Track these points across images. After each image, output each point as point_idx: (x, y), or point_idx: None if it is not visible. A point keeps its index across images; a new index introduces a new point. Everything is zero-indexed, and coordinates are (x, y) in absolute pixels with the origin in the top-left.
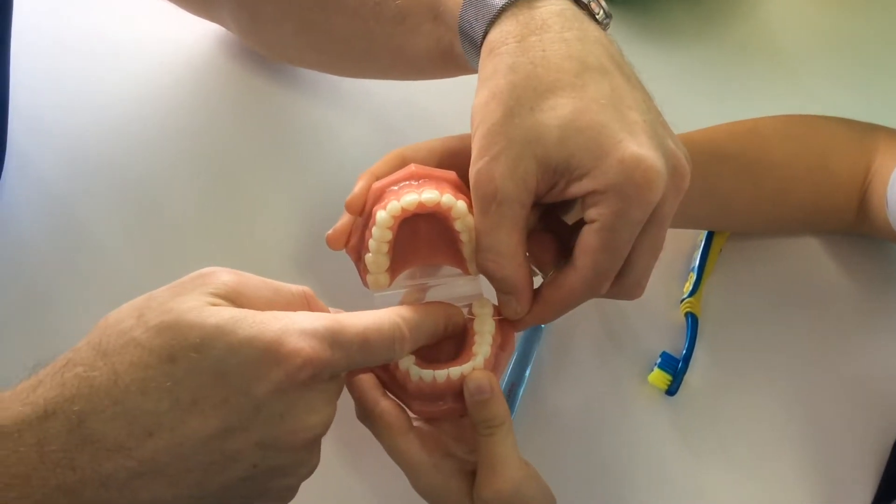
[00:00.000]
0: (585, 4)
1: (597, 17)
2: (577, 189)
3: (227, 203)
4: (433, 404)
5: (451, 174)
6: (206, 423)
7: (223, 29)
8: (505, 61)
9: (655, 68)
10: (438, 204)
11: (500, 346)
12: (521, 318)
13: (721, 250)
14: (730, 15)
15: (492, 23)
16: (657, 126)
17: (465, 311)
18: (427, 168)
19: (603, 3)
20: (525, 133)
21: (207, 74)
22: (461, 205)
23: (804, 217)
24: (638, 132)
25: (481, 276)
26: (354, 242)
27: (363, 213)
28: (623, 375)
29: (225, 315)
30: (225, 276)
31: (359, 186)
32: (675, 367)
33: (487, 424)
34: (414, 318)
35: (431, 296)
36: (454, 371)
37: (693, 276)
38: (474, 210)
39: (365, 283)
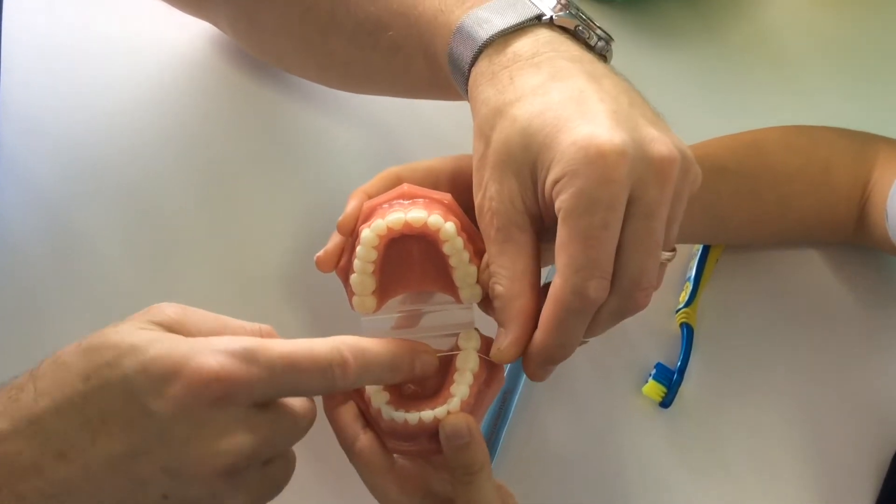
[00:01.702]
0: (573, 32)
1: (589, 42)
2: (547, 187)
3: (222, 207)
4: (406, 444)
5: (446, 196)
6: (111, 444)
7: (218, 30)
8: (478, 99)
9: (655, 70)
10: (425, 224)
11: (485, 383)
12: (530, 353)
13: (718, 260)
14: (731, 17)
15: (473, 62)
16: (634, 116)
17: (453, 341)
18: (420, 188)
19: (597, 30)
20: (498, 155)
21: (203, 76)
22: (450, 226)
23: (804, 230)
24: (598, 118)
25: (475, 306)
26: (343, 264)
27: (353, 234)
28: (617, 386)
29: (144, 336)
30: (168, 309)
31: (350, 206)
32: (671, 379)
33: (465, 471)
34: (363, 348)
35: (425, 323)
36: (426, 414)
37: (689, 286)
38: (485, 244)
39: (352, 306)
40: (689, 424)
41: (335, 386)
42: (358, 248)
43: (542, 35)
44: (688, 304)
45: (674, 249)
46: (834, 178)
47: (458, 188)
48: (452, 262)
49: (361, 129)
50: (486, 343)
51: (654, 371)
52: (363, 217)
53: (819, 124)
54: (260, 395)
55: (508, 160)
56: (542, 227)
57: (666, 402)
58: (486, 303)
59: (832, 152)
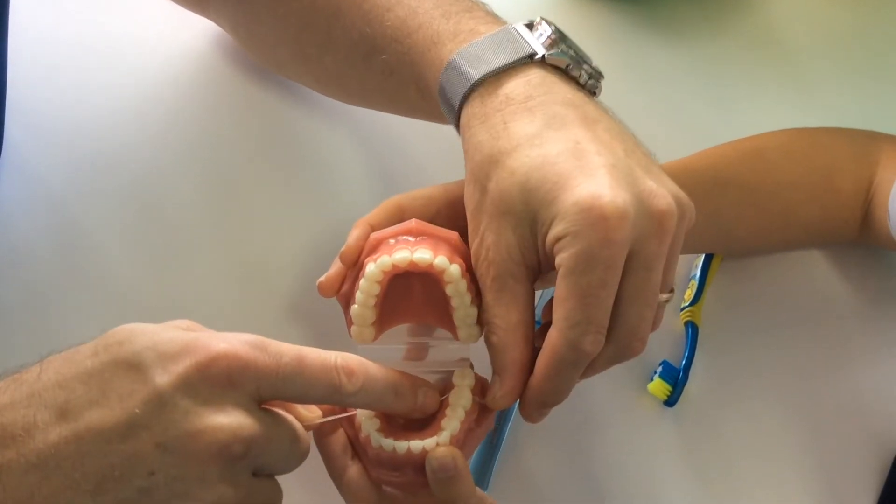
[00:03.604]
0: (564, 71)
1: (579, 80)
2: (548, 243)
3: (226, 208)
4: (392, 474)
5: (453, 235)
6: (110, 414)
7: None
8: (471, 143)
9: (661, 67)
10: (431, 265)
11: (476, 421)
12: (525, 399)
13: (722, 258)
14: (736, 14)
15: (464, 101)
16: (631, 168)
17: (446, 376)
18: (428, 225)
19: (587, 67)
20: (496, 207)
21: (208, 75)
22: (454, 269)
23: (809, 237)
24: (598, 174)
25: (471, 345)
26: (345, 290)
27: (357, 264)
28: (622, 382)
29: (159, 326)
30: (183, 321)
31: (353, 237)
32: (676, 377)
33: None
34: (367, 364)
35: (431, 356)
36: (415, 444)
37: (694, 284)
38: (481, 291)
39: (350, 334)
40: (693, 423)
41: (340, 391)
42: (361, 282)
43: (534, 76)
44: (693, 302)
45: (672, 290)
46: (837, 183)
47: (458, 215)
48: (454, 303)
49: (365, 134)
50: (480, 382)
51: (659, 369)
52: (368, 250)
53: (825, 121)
54: (266, 386)
55: (507, 213)
56: (538, 274)
57: (671, 401)
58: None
59: (834, 156)
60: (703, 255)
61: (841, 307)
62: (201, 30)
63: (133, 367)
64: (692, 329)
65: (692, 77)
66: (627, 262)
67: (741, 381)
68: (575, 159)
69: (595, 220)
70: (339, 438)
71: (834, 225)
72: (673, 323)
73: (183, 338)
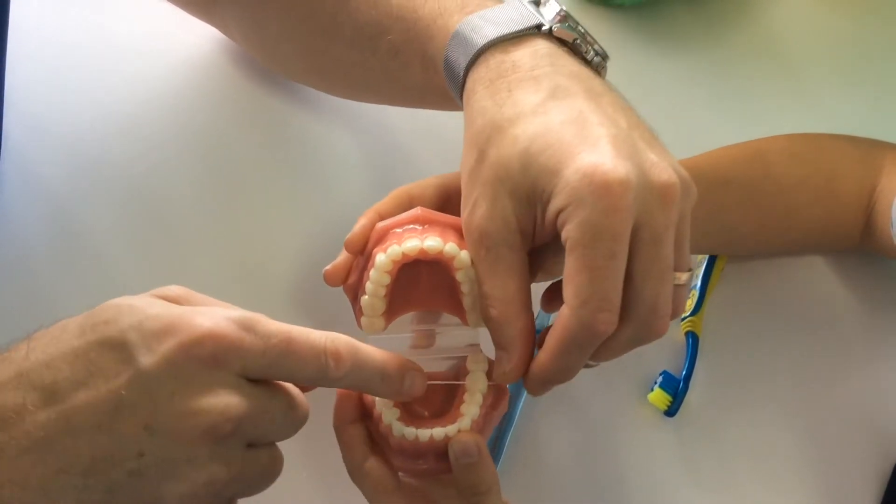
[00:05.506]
0: (571, 45)
1: (586, 56)
2: (550, 215)
3: (227, 209)
4: (414, 462)
5: (459, 221)
6: (95, 396)
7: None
8: (474, 108)
9: (661, 74)
10: (441, 252)
11: (492, 405)
12: (531, 375)
13: (723, 269)
14: (736, 21)
15: (469, 68)
16: (633, 140)
17: (457, 363)
18: (434, 213)
19: (595, 46)
20: (494, 173)
21: (210, 78)
22: (465, 255)
23: (810, 240)
24: (601, 144)
25: (480, 330)
26: (352, 281)
27: (364, 253)
28: (622, 393)
29: (146, 300)
30: (173, 288)
31: (360, 225)
32: (676, 388)
33: (473, 491)
34: (356, 346)
35: (438, 343)
36: (437, 432)
37: (695, 294)
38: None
39: (359, 325)
40: (693, 433)
41: (327, 376)
42: (371, 272)
43: (541, 47)
44: (693, 312)
45: (690, 270)
46: (839, 187)
47: None
48: (464, 288)
49: (368, 135)
50: (492, 366)
51: (660, 379)
52: (375, 239)
53: (825, 129)
54: (252, 366)
55: (505, 180)
56: (532, 247)
57: (671, 411)
58: None
59: (837, 161)
60: (704, 266)
61: (842, 317)
62: (201, 32)
63: (117, 346)
64: (692, 339)
65: (693, 86)
66: (635, 236)
67: (742, 391)
68: (578, 129)
69: (597, 188)
70: (358, 428)
71: (836, 228)
72: (673, 333)
73: (168, 314)
